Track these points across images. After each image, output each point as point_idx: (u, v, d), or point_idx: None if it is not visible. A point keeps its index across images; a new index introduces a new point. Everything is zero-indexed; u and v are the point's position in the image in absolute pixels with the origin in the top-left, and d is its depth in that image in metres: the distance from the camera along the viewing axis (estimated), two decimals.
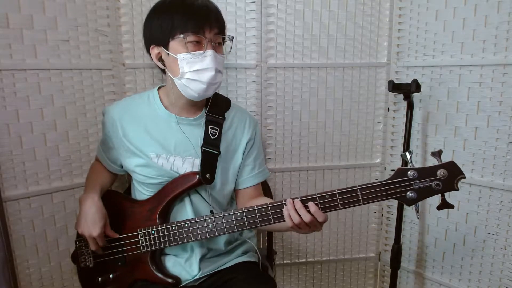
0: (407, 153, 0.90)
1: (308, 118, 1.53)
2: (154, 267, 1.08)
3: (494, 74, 1.27)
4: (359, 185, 0.90)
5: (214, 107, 1.13)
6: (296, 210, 0.90)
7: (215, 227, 1.01)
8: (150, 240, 1.07)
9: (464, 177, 0.87)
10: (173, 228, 1.04)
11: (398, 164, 1.56)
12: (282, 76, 1.48)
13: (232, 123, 1.15)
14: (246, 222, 0.98)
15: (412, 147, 1.49)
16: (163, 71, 1.10)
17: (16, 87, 1.17)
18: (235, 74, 1.45)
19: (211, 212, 1.09)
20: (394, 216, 1.57)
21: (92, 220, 1.05)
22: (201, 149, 1.08)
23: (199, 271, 1.09)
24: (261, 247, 1.55)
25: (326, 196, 0.90)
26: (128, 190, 1.32)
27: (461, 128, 1.37)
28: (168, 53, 1.02)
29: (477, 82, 1.31)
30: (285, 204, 0.92)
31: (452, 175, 0.86)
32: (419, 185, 0.87)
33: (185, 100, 1.08)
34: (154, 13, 1.06)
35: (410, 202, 0.89)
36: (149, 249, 1.07)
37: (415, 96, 1.42)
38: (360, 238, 1.68)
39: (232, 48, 1.13)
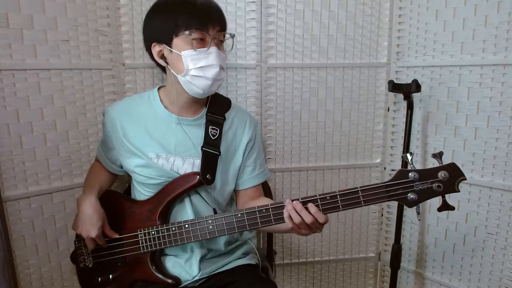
0: (408, 155, 0.90)
1: (308, 118, 1.53)
2: (154, 267, 1.08)
3: (494, 74, 1.27)
4: (360, 187, 0.90)
5: (214, 107, 1.13)
6: (296, 211, 0.90)
7: (215, 228, 1.01)
8: (150, 241, 1.07)
9: (465, 179, 0.87)
10: (173, 228, 1.04)
11: (398, 164, 1.56)
12: (282, 76, 1.48)
13: (232, 124, 1.15)
14: (246, 223, 0.98)
15: (412, 147, 1.49)
16: (164, 69, 1.10)
17: (16, 87, 1.16)
18: (235, 74, 1.45)
19: (214, 211, 1.09)
20: (394, 216, 1.57)
21: (89, 221, 1.05)
22: (202, 149, 1.08)
23: (199, 271, 1.09)
24: (261, 247, 1.55)
25: (327, 197, 0.90)
26: (128, 190, 1.31)
27: (461, 128, 1.37)
28: (171, 50, 1.02)
29: (477, 82, 1.31)
30: (285, 205, 0.92)
31: (453, 177, 0.86)
32: (420, 187, 0.88)
33: (186, 98, 1.08)
34: (155, 11, 1.06)
35: (411, 203, 0.89)
36: (149, 249, 1.07)
37: (415, 96, 1.42)
38: (360, 238, 1.68)
39: (233, 47, 1.13)
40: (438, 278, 1.53)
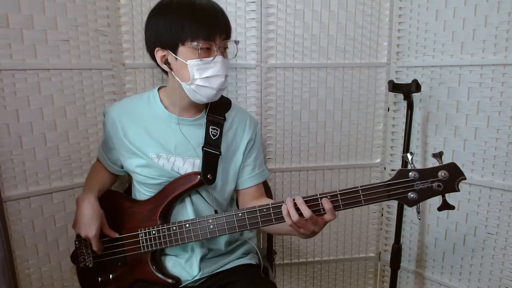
0: (408, 154, 0.90)
1: (308, 118, 1.53)
2: (154, 267, 1.08)
3: (494, 74, 1.27)
4: (360, 186, 0.90)
5: (215, 108, 1.13)
6: (295, 208, 0.90)
7: (216, 227, 1.01)
8: (150, 240, 1.07)
9: (465, 178, 0.87)
10: (173, 228, 1.04)
11: (398, 164, 1.57)
12: (282, 76, 1.48)
13: (232, 124, 1.15)
14: (247, 222, 0.98)
15: (412, 147, 1.49)
16: (165, 71, 1.10)
17: (16, 87, 1.16)
18: (235, 74, 1.45)
19: (215, 211, 1.09)
20: (394, 216, 1.57)
21: (88, 221, 1.06)
22: (202, 149, 1.08)
23: (199, 271, 1.09)
24: (261, 247, 1.55)
25: (328, 197, 0.90)
26: (128, 190, 1.32)
27: (461, 128, 1.37)
28: (176, 58, 1.01)
29: (477, 82, 1.31)
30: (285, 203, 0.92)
31: (453, 176, 0.87)
32: (420, 186, 0.88)
33: (188, 101, 1.08)
34: (160, 14, 1.03)
35: (411, 203, 0.89)
36: (150, 249, 1.07)
37: (415, 96, 1.42)
38: (360, 238, 1.68)
39: (236, 54, 1.11)
40: (438, 278, 1.53)
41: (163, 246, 1.06)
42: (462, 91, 1.35)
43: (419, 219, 1.53)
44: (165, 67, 1.05)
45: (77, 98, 1.29)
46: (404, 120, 1.44)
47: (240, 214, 0.98)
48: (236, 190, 1.19)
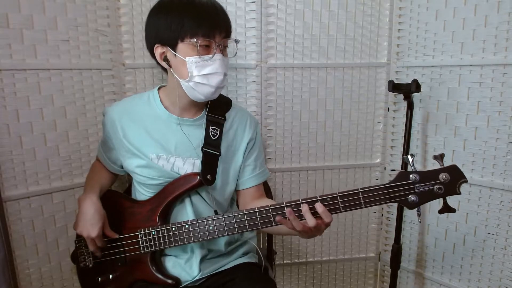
0: (409, 156, 0.89)
1: (308, 118, 1.53)
2: (154, 267, 1.08)
3: (494, 74, 1.27)
4: (360, 188, 0.89)
5: (215, 108, 1.13)
6: (295, 217, 0.90)
7: (215, 229, 1.00)
8: (150, 241, 1.06)
9: (466, 181, 0.87)
10: (173, 229, 1.04)
11: (398, 164, 1.56)
12: (282, 76, 1.47)
13: (233, 123, 1.15)
14: (247, 224, 0.97)
15: (412, 147, 1.49)
16: (165, 70, 1.10)
17: (16, 87, 1.16)
18: (235, 74, 1.45)
19: (215, 212, 1.09)
20: (394, 216, 1.57)
21: (90, 221, 1.05)
22: (202, 150, 1.08)
23: (199, 272, 1.09)
24: (261, 247, 1.55)
25: (328, 199, 0.90)
26: (128, 190, 1.32)
27: (461, 128, 1.37)
28: (175, 55, 1.01)
29: (477, 82, 1.31)
30: (286, 207, 0.92)
31: (454, 179, 0.86)
32: (421, 189, 0.87)
33: (187, 100, 1.08)
34: (160, 11, 1.03)
35: (412, 205, 0.89)
36: (149, 249, 1.07)
37: (415, 96, 1.42)
38: (360, 238, 1.68)
39: (236, 53, 1.11)
40: (438, 278, 1.53)
41: (163, 247, 1.06)
42: (462, 91, 1.35)
43: (420, 222, 1.53)
44: (164, 64, 1.05)
45: (77, 98, 1.29)
46: (404, 120, 1.44)
47: (239, 216, 0.98)
48: (236, 191, 1.19)
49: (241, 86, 1.47)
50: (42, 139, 1.24)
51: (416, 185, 0.87)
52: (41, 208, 1.26)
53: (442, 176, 0.86)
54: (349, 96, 1.53)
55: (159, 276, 1.07)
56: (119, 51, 1.37)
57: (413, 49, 1.46)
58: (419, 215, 0.92)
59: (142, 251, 1.08)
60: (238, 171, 1.16)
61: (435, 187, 0.87)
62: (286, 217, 0.91)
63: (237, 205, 1.25)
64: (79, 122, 1.31)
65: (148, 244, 1.07)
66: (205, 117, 1.11)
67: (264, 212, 0.95)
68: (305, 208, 0.90)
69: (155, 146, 1.09)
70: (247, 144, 1.16)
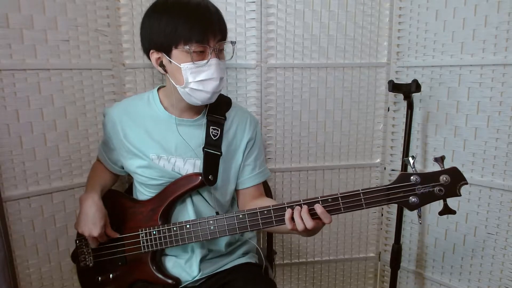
0: (410, 158, 0.90)
1: (308, 118, 1.53)
2: (154, 267, 1.08)
3: (494, 74, 1.27)
4: (362, 189, 0.90)
5: (215, 108, 1.13)
6: (300, 215, 0.90)
7: (216, 229, 1.00)
8: (151, 241, 1.06)
9: (467, 183, 0.87)
10: (174, 228, 1.04)
11: (398, 164, 1.56)
12: (282, 76, 1.48)
13: (232, 123, 1.15)
14: (248, 224, 0.97)
15: (412, 147, 1.49)
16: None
17: (16, 87, 1.16)
18: (235, 74, 1.45)
19: (217, 214, 1.09)
20: (394, 216, 1.57)
21: (92, 220, 1.05)
22: (203, 150, 1.08)
23: (199, 272, 1.09)
24: (261, 247, 1.55)
25: (329, 200, 0.90)
26: (128, 190, 1.32)
27: (461, 128, 1.37)
28: (170, 61, 1.00)
29: (477, 82, 1.31)
30: (288, 207, 0.92)
31: (454, 181, 0.87)
32: (421, 191, 0.88)
33: (185, 103, 1.07)
34: (153, 15, 1.01)
35: (412, 207, 0.89)
36: (150, 249, 1.07)
37: (415, 96, 1.42)
38: (360, 238, 1.68)
39: (233, 55, 1.09)
40: (438, 278, 1.53)
41: (164, 247, 1.06)
42: (462, 91, 1.35)
43: (420, 223, 1.53)
44: (160, 69, 1.04)
45: (77, 98, 1.29)
46: (404, 120, 1.44)
47: (240, 216, 0.98)
48: (235, 190, 1.19)
49: (241, 86, 1.47)
50: (42, 139, 1.23)
51: (417, 187, 0.88)
52: (41, 208, 1.26)
53: (443, 178, 0.87)
54: (349, 96, 1.53)
55: (159, 276, 1.07)
56: (119, 51, 1.37)
57: (413, 49, 1.46)
58: (419, 216, 0.92)
59: (142, 251, 1.08)
60: (238, 171, 1.16)
61: (435, 188, 0.87)
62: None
63: (237, 205, 1.25)
64: (79, 122, 1.31)
65: (149, 243, 1.07)
66: (205, 117, 1.11)
67: (265, 212, 0.95)
68: (304, 209, 0.90)
69: (156, 146, 1.09)
70: (247, 143, 1.15)
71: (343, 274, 1.72)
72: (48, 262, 1.30)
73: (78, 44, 1.27)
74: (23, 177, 1.21)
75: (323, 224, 0.91)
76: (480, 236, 1.39)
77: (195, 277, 1.09)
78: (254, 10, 1.40)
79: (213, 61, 0.99)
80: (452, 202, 0.90)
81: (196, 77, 0.99)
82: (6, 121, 1.16)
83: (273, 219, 0.95)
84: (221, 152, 1.09)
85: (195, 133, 1.10)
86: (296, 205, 0.92)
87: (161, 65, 1.03)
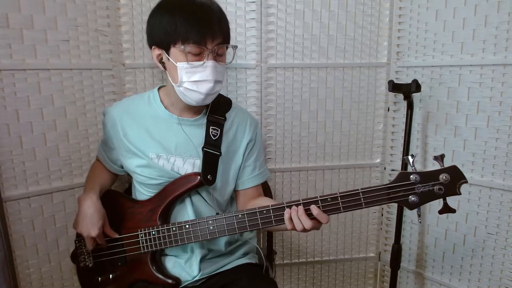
0: (409, 157, 0.90)
1: (308, 118, 1.53)
2: (154, 267, 1.08)
3: (494, 74, 1.27)
4: (361, 189, 0.90)
5: (215, 108, 1.13)
6: (298, 216, 0.90)
7: (216, 228, 1.01)
8: (150, 241, 1.06)
9: (466, 182, 0.87)
10: (173, 228, 1.04)
11: (398, 164, 1.56)
12: (282, 76, 1.48)
13: (233, 124, 1.15)
14: (247, 224, 0.98)
15: (412, 147, 1.49)
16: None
17: (16, 87, 1.16)
18: (235, 74, 1.45)
19: (216, 214, 1.09)
20: (394, 216, 1.57)
21: (90, 220, 1.05)
22: (203, 150, 1.08)
23: (199, 272, 1.09)
24: (261, 247, 1.55)
25: (328, 199, 0.91)
26: (128, 190, 1.32)
27: (461, 128, 1.37)
28: (168, 58, 1.01)
29: (477, 82, 1.31)
30: (286, 207, 0.93)
31: (454, 180, 0.87)
32: (421, 189, 0.88)
33: (184, 103, 1.08)
34: (158, 12, 1.02)
35: (412, 206, 0.89)
36: (150, 249, 1.07)
37: (415, 96, 1.42)
38: (360, 238, 1.68)
39: (233, 59, 1.08)
40: (438, 278, 1.53)
41: (163, 247, 1.06)
42: (462, 91, 1.35)
43: (420, 222, 1.53)
44: (160, 66, 1.06)
45: (77, 98, 1.29)
46: (404, 120, 1.44)
47: (240, 216, 0.98)
48: (234, 190, 1.19)
49: (241, 86, 1.47)
50: (42, 139, 1.24)
51: (417, 186, 0.88)
52: (41, 208, 1.26)
53: (442, 177, 0.87)
54: (349, 96, 1.53)
55: (159, 276, 1.07)
56: (119, 51, 1.37)
57: (413, 49, 1.46)
58: (419, 215, 0.92)
59: (142, 251, 1.08)
60: (237, 171, 1.16)
61: (435, 187, 0.87)
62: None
63: (236, 205, 1.25)
64: (79, 122, 1.31)
65: (148, 244, 1.07)
66: (206, 117, 1.11)
67: (264, 212, 0.95)
68: (300, 211, 0.90)
69: (155, 146, 1.09)
70: (247, 144, 1.16)
71: (343, 274, 1.72)
72: (48, 262, 1.30)
73: (78, 44, 1.27)
74: (23, 177, 1.22)
75: (321, 223, 0.91)
76: (480, 236, 1.39)
77: (195, 277, 1.09)
78: (254, 10, 1.40)
79: (210, 63, 0.98)
80: (452, 202, 0.90)
81: (190, 77, 0.99)
82: (6, 121, 1.16)
83: (272, 219, 0.95)
84: (220, 152, 1.09)
85: (195, 133, 1.10)
86: (294, 205, 0.92)
87: (161, 61, 1.05)
